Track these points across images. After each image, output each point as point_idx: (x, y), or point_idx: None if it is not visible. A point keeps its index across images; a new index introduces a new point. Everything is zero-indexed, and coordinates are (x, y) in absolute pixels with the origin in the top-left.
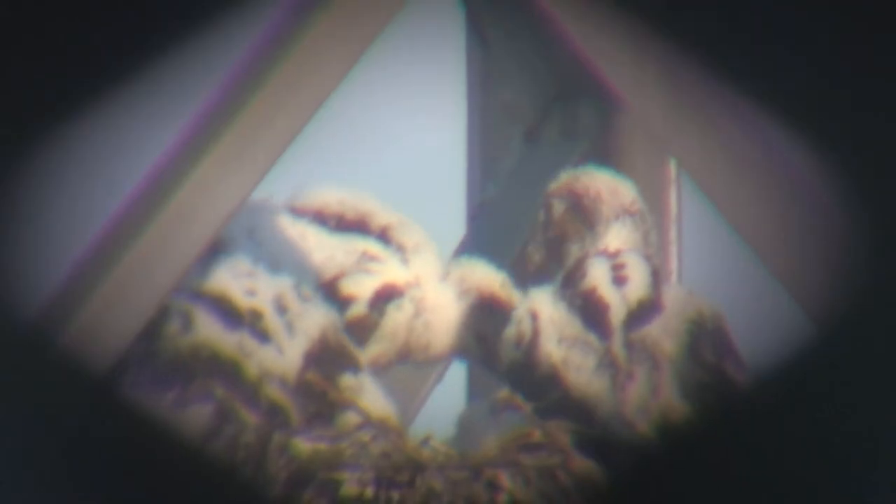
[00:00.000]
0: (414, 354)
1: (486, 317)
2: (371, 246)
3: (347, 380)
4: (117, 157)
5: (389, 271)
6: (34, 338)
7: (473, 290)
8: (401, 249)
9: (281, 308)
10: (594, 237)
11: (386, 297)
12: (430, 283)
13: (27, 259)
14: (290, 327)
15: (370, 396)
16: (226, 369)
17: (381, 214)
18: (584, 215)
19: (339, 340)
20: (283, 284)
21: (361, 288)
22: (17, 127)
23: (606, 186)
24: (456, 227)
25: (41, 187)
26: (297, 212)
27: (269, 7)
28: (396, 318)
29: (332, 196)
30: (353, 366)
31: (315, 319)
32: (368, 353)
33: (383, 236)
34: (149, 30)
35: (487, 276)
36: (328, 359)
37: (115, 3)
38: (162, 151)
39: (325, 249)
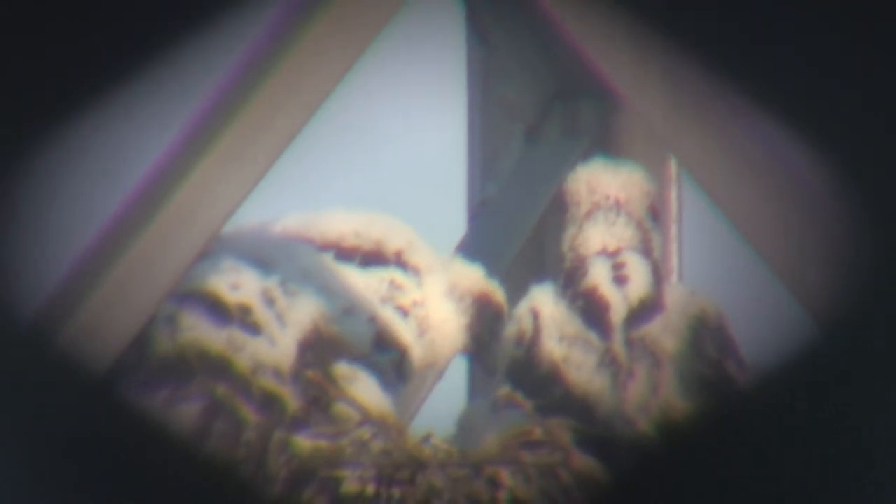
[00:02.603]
0: (421, 370)
1: (480, 317)
2: (395, 274)
3: (342, 369)
4: (117, 157)
5: (409, 296)
6: (34, 338)
7: (466, 295)
8: (416, 272)
9: (269, 301)
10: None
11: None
12: (435, 301)
13: (27, 259)
14: (280, 319)
15: (365, 386)
16: (216, 366)
17: (393, 239)
18: (606, 212)
19: (331, 331)
20: (269, 279)
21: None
22: (17, 127)
23: (622, 183)
24: (456, 225)
25: (41, 187)
26: (317, 245)
27: (269, 7)
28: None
29: (345, 226)
30: (347, 355)
31: (306, 310)
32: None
33: (399, 262)
34: (149, 30)
35: (476, 278)
36: (322, 349)
37: (115, 3)
38: (162, 151)
39: (359, 282)
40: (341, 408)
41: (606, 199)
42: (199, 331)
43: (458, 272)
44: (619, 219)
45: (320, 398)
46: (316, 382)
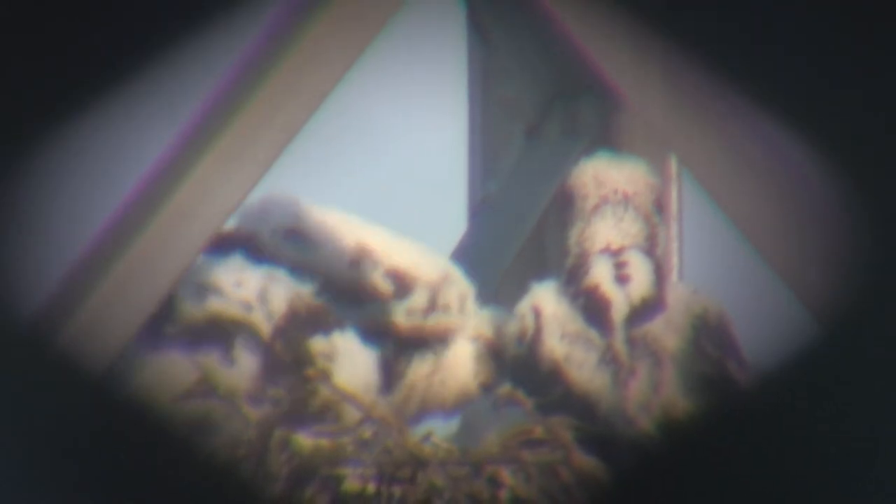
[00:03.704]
0: (430, 408)
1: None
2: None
3: (319, 344)
4: (117, 157)
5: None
6: (34, 338)
7: (482, 337)
8: (446, 310)
9: (265, 300)
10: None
11: (415, 344)
12: (456, 341)
13: (27, 259)
14: (269, 318)
15: (344, 360)
16: (245, 330)
17: (427, 272)
18: (607, 207)
19: (308, 306)
20: (271, 275)
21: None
22: (17, 127)
23: (628, 176)
24: (457, 224)
25: (41, 187)
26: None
27: (269, 7)
28: (417, 370)
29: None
30: (324, 327)
31: (281, 294)
32: (394, 399)
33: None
34: (149, 30)
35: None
36: (297, 326)
37: (115, 3)
38: (162, 150)
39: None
40: (324, 392)
41: (615, 192)
42: (227, 301)
43: (483, 319)
44: (627, 213)
45: (301, 398)
46: (291, 358)
